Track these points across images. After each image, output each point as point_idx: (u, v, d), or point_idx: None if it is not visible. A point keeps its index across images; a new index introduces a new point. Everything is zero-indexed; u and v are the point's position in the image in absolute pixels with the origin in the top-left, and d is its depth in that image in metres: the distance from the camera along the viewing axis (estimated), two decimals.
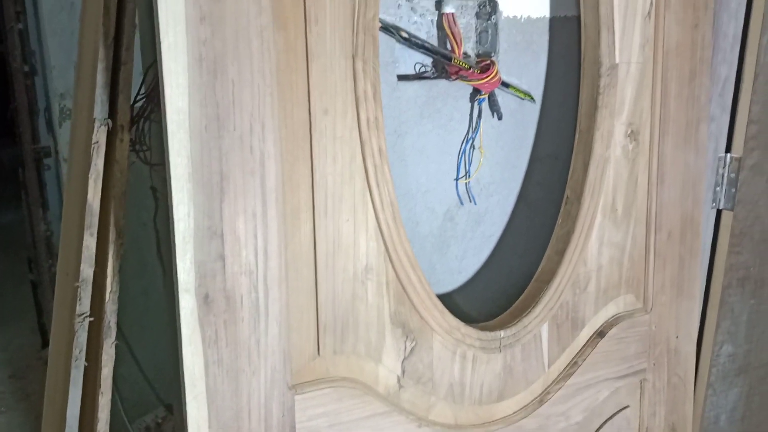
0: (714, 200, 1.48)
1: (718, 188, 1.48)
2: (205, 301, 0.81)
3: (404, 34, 1.06)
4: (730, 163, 1.46)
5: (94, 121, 0.97)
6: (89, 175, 0.97)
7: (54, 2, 2.02)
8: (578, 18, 1.15)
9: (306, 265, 0.88)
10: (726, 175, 1.46)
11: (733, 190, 1.47)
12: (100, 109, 0.97)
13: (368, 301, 0.92)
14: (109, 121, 0.97)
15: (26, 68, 2.14)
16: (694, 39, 1.17)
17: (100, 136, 0.97)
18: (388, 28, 1.04)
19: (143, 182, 1.36)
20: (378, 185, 0.92)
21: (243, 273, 0.83)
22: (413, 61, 1.12)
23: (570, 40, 1.21)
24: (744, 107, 1.42)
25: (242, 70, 0.80)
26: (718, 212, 1.50)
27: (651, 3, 1.12)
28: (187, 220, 0.79)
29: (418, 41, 1.08)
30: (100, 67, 0.96)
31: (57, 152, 2.17)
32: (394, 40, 1.07)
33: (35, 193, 2.24)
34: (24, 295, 2.96)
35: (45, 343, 2.69)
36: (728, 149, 1.46)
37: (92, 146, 0.97)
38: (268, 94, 0.83)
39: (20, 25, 2.08)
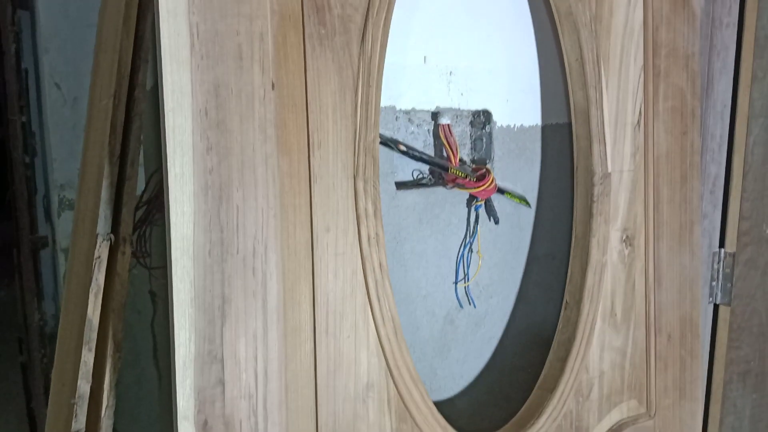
0: (711, 295, 1.49)
1: (714, 283, 1.49)
2: (203, 427, 0.79)
3: (402, 147, 1.09)
4: (725, 258, 1.47)
5: (96, 236, 0.98)
6: (90, 290, 0.97)
7: (57, 97, 2.07)
8: (569, 125, 1.19)
9: (306, 385, 0.87)
10: (721, 270, 1.48)
11: (729, 284, 1.48)
12: (103, 225, 0.98)
13: (369, 420, 0.91)
14: (112, 236, 0.98)
15: (27, 159, 2.17)
16: (683, 145, 1.21)
17: (102, 251, 0.98)
18: (387, 142, 1.08)
19: (142, 286, 1.36)
20: (379, 300, 0.92)
21: (242, 397, 0.82)
22: (411, 167, 1.15)
23: (562, 146, 1.24)
24: (735, 204, 1.45)
25: (247, 195, 0.82)
26: (716, 307, 1.50)
27: (640, 113, 1.16)
28: (188, 345, 0.79)
29: (416, 153, 1.11)
30: (105, 183, 0.98)
31: (54, 241, 2.17)
32: (393, 152, 1.10)
33: (30, 282, 2.23)
34: (13, 378, 2.88)
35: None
36: (722, 244, 1.48)
37: (94, 261, 0.97)
38: (271, 217, 0.84)
39: (23, 118, 2.13)
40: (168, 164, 0.77)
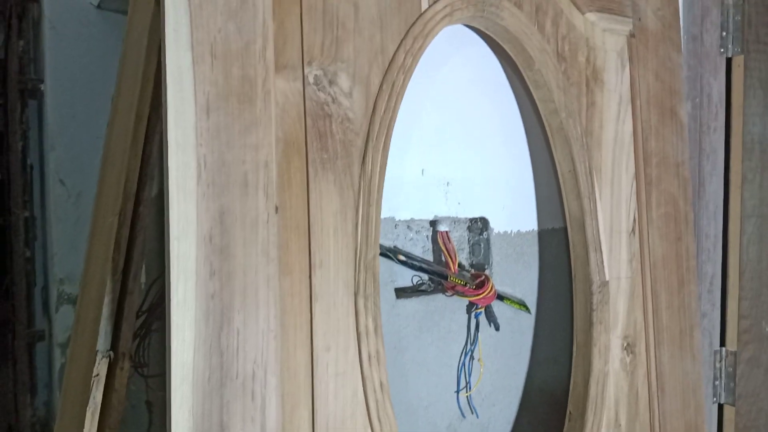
0: (714, 395, 1.47)
1: (717, 382, 1.47)
2: None
3: (402, 257, 1.11)
4: (726, 356, 1.47)
5: (96, 353, 0.97)
6: (87, 408, 0.96)
7: (61, 192, 2.11)
8: (565, 229, 1.21)
9: None
10: (723, 368, 1.47)
11: (732, 384, 1.46)
12: (103, 341, 0.98)
13: None
14: (111, 353, 0.98)
15: (27, 253, 2.18)
16: (678, 251, 1.23)
17: (101, 368, 0.97)
18: (386, 253, 1.09)
19: (139, 395, 1.34)
20: (380, 421, 0.91)
21: None
22: (411, 273, 1.16)
23: (558, 249, 1.26)
24: (733, 302, 1.46)
25: (248, 319, 0.82)
26: (720, 407, 1.48)
27: (634, 220, 1.19)
28: None
29: (415, 262, 1.12)
30: (107, 299, 0.98)
31: (51, 335, 2.15)
32: (392, 262, 1.11)
33: (24, 377, 2.20)
34: None
35: None
36: (723, 343, 1.48)
37: (93, 379, 0.96)
38: (272, 338, 0.84)
39: (26, 213, 2.16)
40: (171, 291, 0.78)
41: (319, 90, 0.91)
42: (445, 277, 1.13)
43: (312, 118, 0.90)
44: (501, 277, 1.23)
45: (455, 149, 1.17)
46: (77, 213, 2.09)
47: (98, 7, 2.13)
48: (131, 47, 1.14)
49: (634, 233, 1.18)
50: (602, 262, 1.13)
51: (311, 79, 0.91)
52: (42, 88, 2.16)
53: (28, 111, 2.19)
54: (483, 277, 1.16)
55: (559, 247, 1.26)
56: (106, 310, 0.99)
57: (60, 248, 2.10)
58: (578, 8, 1.15)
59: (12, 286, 2.37)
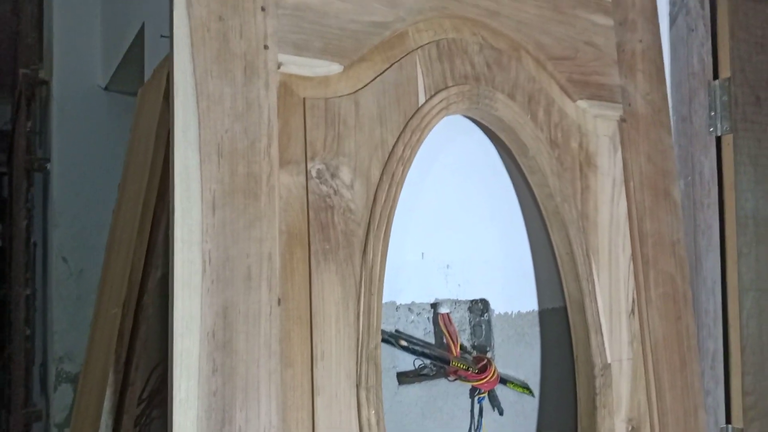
0: None
1: None
2: None
3: (403, 343, 1.11)
4: None
5: None
6: None
7: (63, 269, 2.12)
8: (565, 308, 1.22)
9: None
10: None
11: None
12: None
13: None
14: None
15: (28, 331, 2.17)
16: (678, 330, 1.23)
17: None
18: (387, 339, 1.10)
19: None
20: None
21: None
22: (413, 357, 1.15)
23: (560, 329, 1.26)
24: (736, 379, 1.45)
25: (250, 415, 0.82)
26: None
27: (633, 300, 1.20)
28: None
29: (417, 348, 1.12)
30: (109, 392, 0.98)
31: (48, 416, 2.12)
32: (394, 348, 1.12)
33: None
34: None
35: None
36: (728, 420, 1.46)
37: None
38: None
39: (28, 290, 2.16)
40: (174, 390, 0.78)
41: (321, 183, 0.94)
42: (448, 362, 1.13)
43: (315, 210, 0.93)
44: (503, 359, 1.23)
45: (455, 232, 1.19)
46: (78, 291, 2.10)
47: (105, 89, 2.21)
48: (139, 138, 1.18)
49: (633, 314, 1.19)
50: (603, 344, 1.13)
51: (314, 173, 0.94)
52: (48, 167, 2.20)
53: (34, 189, 2.23)
54: (485, 360, 1.16)
55: (560, 326, 1.26)
56: (107, 404, 0.98)
57: (60, 326, 2.09)
58: (569, 96, 1.20)
59: (10, 362, 2.35)
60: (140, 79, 1.63)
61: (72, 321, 2.08)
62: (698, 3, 1.46)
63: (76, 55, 2.18)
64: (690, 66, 1.45)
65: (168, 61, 1.07)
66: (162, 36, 1.28)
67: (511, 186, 1.24)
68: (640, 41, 1.31)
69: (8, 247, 2.41)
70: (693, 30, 1.45)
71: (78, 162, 2.16)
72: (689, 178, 1.44)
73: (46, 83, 2.27)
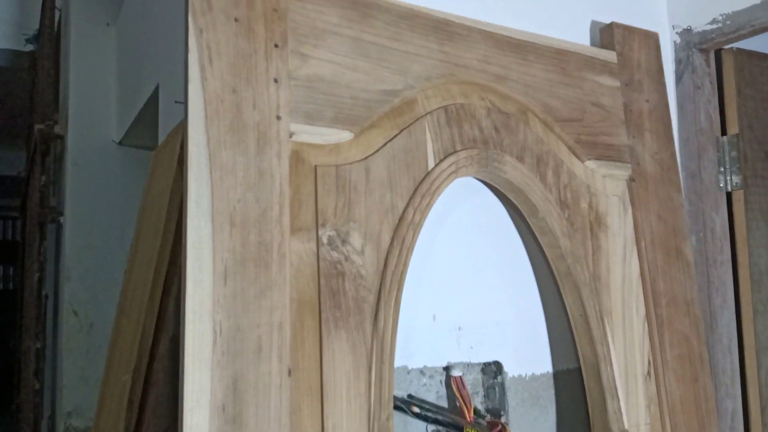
0: None
1: None
2: None
3: (416, 409, 1.09)
4: None
5: None
6: None
7: (74, 323, 2.12)
8: (579, 369, 1.20)
9: None
10: None
11: None
12: None
13: None
14: None
15: (37, 386, 2.16)
16: (696, 392, 1.21)
17: None
18: (399, 406, 1.08)
19: None
20: None
21: None
22: (425, 423, 1.13)
23: (575, 391, 1.24)
24: None
25: None
26: None
27: (649, 362, 1.18)
28: None
29: (429, 414, 1.10)
30: None
31: None
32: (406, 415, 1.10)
33: None
34: None
35: None
36: None
37: None
38: None
39: (38, 344, 2.16)
40: None
41: (332, 249, 0.94)
42: (461, 429, 1.11)
43: (325, 277, 0.93)
44: (518, 423, 1.20)
45: (466, 293, 1.19)
46: (88, 344, 2.10)
47: (119, 143, 2.24)
48: (152, 201, 1.19)
49: (650, 376, 1.17)
50: (620, 409, 1.11)
51: (325, 240, 0.94)
52: (61, 221, 2.23)
53: (46, 243, 2.25)
54: (500, 426, 1.14)
55: (576, 388, 1.24)
56: None
57: (69, 380, 2.08)
58: (578, 157, 1.20)
59: (18, 414, 2.33)
60: (154, 134, 1.66)
61: (81, 375, 2.06)
62: (704, 61, 1.48)
63: (91, 112, 2.23)
64: (698, 123, 1.45)
65: (182, 127, 1.09)
66: (176, 101, 1.30)
67: (522, 246, 1.24)
68: (647, 101, 1.32)
69: (20, 294, 2.41)
70: (699, 87, 1.46)
71: (91, 215, 2.18)
72: (701, 234, 1.43)
73: (61, 138, 2.32)
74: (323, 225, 0.94)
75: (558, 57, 1.22)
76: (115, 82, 2.29)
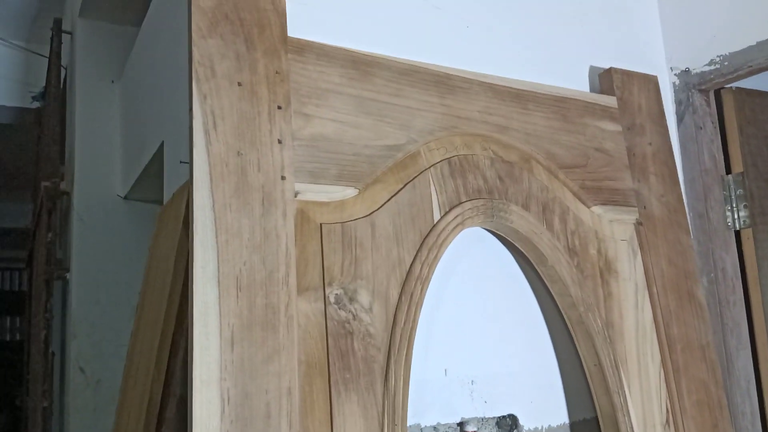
0: None
1: None
2: None
3: None
4: None
5: None
6: None
7: (81, 380, 2.10)
8: (597, 419, 1.17)
9: None
10: None
11: None
12: None
13: None
14: None
15: None
16: None
17: None
18: None
19: None
20: None
21: None
22: None
23: None
24: None
25: None
26: None
27: (667, 410, 1.15)
28: None
29: None
30: None
31: None
32: None
33: None
34: None
35: None
36: None
37: None
38: None
39: (45, 403, 2.13)
40: None
41: (340, 309, 0.93)
42: None
43: (333, 337, 0.91)
44: None
45: (477, 346, 1.17)
46: (95, 401, 2.07)
47: (125, 198, 2.25)
48: (158, 261, 1.19)
49: (669, 425, 1.14)
50: None
51: (332, 299, 0.93)
52: (67, 277, 2.22)
53: (53, 300, 2.24)
54: None
55: None
56: None
57: None
58: (584, 203, 1.20)
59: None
60: (159, 188, 1.66)
61: None
62: (704, 101, 1.48)
63: (96, 167, 2.25)
64: (702, 163, 1.45)
65: (187, 188, 1.09)
66: (181, 162, 1.31)
67: (532, 295, 1.22)
68: (650, 144, 1.32)
69: (26, 347, 2.39)
70: (701, 128, 1.46)
71: (97, 270, 2.18)
72: (711, 275, 1.41)
73: (66, 194, 2.33)
74: (330, 283, 0.93)
75: (558, 104, 1.23)
76: (120, 138, 2.31)
